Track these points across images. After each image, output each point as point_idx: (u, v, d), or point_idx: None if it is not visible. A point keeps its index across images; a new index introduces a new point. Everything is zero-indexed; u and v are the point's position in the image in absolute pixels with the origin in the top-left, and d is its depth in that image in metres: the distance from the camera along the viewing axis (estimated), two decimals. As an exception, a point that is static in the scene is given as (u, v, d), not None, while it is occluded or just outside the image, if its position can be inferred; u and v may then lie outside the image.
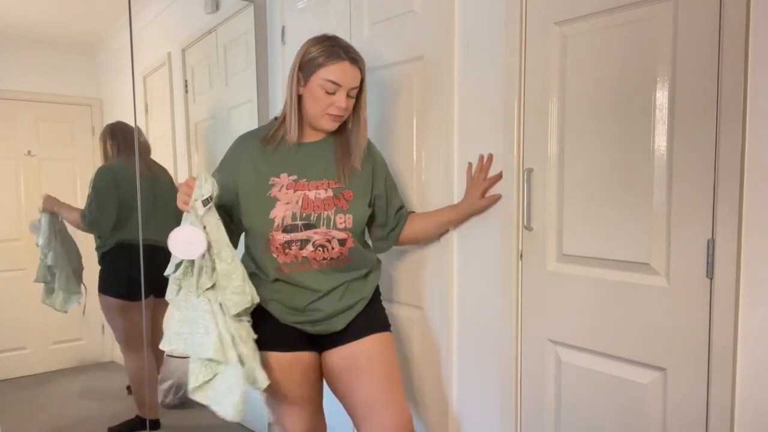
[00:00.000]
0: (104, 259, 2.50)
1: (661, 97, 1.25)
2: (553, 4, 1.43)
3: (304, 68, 1.46)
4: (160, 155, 2.74)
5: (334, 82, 1.42)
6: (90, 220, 2.47)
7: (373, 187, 1.56)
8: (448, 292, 1.75)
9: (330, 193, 1.47)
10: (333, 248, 1.47)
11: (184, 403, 2.84)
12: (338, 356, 1.52)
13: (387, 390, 1.48)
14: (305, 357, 1.54)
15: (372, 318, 1.56)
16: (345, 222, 1.47)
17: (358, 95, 1.50)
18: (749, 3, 1.11)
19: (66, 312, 2.56)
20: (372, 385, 1.48)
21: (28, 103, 2.61)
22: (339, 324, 1.52)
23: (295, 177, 1.47)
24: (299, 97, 1.48)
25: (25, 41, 2.59)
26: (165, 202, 2.63)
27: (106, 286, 2.51)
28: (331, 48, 1.44)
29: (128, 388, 2.74)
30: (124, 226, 2.45)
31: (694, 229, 1.20)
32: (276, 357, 1.51)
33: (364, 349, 1.51)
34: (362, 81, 1.50)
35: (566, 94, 1.43)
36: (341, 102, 1.43)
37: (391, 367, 1.52)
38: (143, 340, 2.48)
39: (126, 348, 2.59)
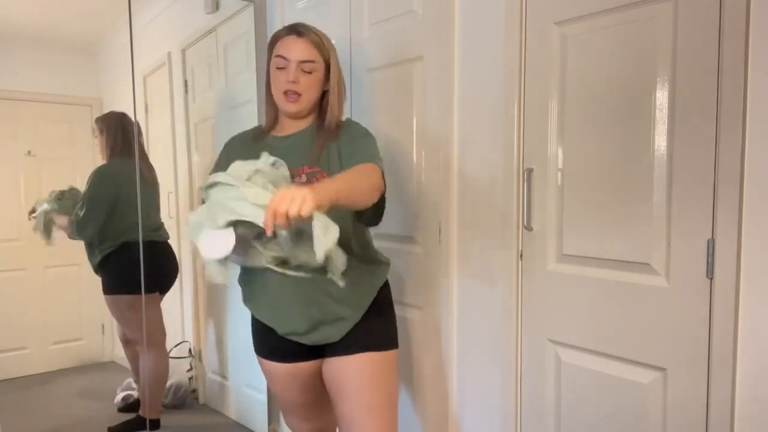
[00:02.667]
0: (108, 260, 2.49)
1: (661, 97, 1.25)
2: (553, 4, 1.43)
3: (268, 56, 1.47)
4: (160, 155, 2.75)
5: (281, 56, 1.41)
6: (77, 226, 2.46)
7: (341, 157, 1.43)
8: (448, 292, 1.75)
9: (304, 179, 1.40)
10: None
11: (184, 403, 2.84)
12: (329, 368, 1.48)
13: (366, 418, 1.42)
14: (306, 367, 1.51)
15: (371, 332, 1.46)
16: None
17: (327, 78, 1.45)
18: (749, 3, 1.11)
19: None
20: (352, 407, 1.43)
21: (28, 103, 2.61)
22: (333, 333, 1.44)
23: None
24: (270, 86, 1.48)
25: (25, 41, 2.59)
26: (157, 205, 2.64)
27: (114, 286, 2.51)
28: (282, 27, 1.46)
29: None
30: (126, 226, 2.45)
31: (694, 229, 1.20)
32: (276, 367, 1.52)
33: (353, 368, 1.43)
34: (329, 63, 1.45)
35: (566, 94, 1.43)
36: (290, 75, 1.39)
37: (376, 393, 1.44)
38: (143, 337, 2.49)
39: (132, 345, 2.61)
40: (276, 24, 2.39)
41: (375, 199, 1.29)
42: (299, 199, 1.02)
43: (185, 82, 2.80)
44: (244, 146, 1.51)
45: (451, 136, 1.70)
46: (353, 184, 1.23)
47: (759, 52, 1.10)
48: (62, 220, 2.50)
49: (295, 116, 1.47)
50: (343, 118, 1.52)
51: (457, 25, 1.68)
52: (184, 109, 2.81)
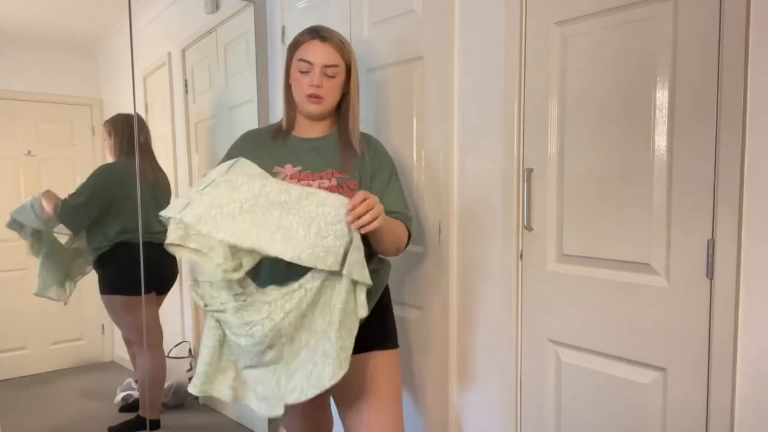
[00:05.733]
0: (103, 259, 2.49)
1: (661, 97, 1.25)
2: (553, 4, 1.43)
3: (288, 58, 1.49)
4: (160, 155, 2.74)
5: (305, 60, 1.43)
6: (64, 209, 2.43)
7: (372, 180, 1.50)
8: (448, 292, 1.75)
9: (334, 182, 1.44)
10: None
11: (184, 403, 2.84)
12: None
13: (377, 415, 1.43)
14: None
15: (377, 331, 1.48)
16: None
17: (347, 82, 1.49)
18: (749, 3, 1.11)
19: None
20: (362, 405, 1.44)
21: (28, 103, 2.61)
22: None
23: (299, 168, 1.46)
24: (290, 87, 1.50)
25: (25, 41, 2.59)
26: (161, 206, 2.62)
27: (110, 286, 2.51)
28: (304, 31, 1.47)
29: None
30: (120, 227, 2.45)
31: (694, 229, 1.20)
32: None
33: (361, 366, 1.44)
34: (349, 67, 1.48)
35: (566, 94, 1.43)
36: (314, 79, 1.42)
37: (384, 390, 1.46)
38: (143, 337, 2.48)
39: (132, 345, 2.60)
40: (276, 24, 2.39)
41: (391, 254, 1.49)
42: (377, 211, 1.24)
43: (185, 82, 2.80)
44: (260, 144, 1.51)
45: (451, 136, 1.70)
46: (392, 233, 1.41)
47: (759, 52, 1.10)
48: (50, 202, 2.45)
49: (317, 117, 1.49)
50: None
51: (457, 25, 1.68)
52: (184, 109, 2.81)
